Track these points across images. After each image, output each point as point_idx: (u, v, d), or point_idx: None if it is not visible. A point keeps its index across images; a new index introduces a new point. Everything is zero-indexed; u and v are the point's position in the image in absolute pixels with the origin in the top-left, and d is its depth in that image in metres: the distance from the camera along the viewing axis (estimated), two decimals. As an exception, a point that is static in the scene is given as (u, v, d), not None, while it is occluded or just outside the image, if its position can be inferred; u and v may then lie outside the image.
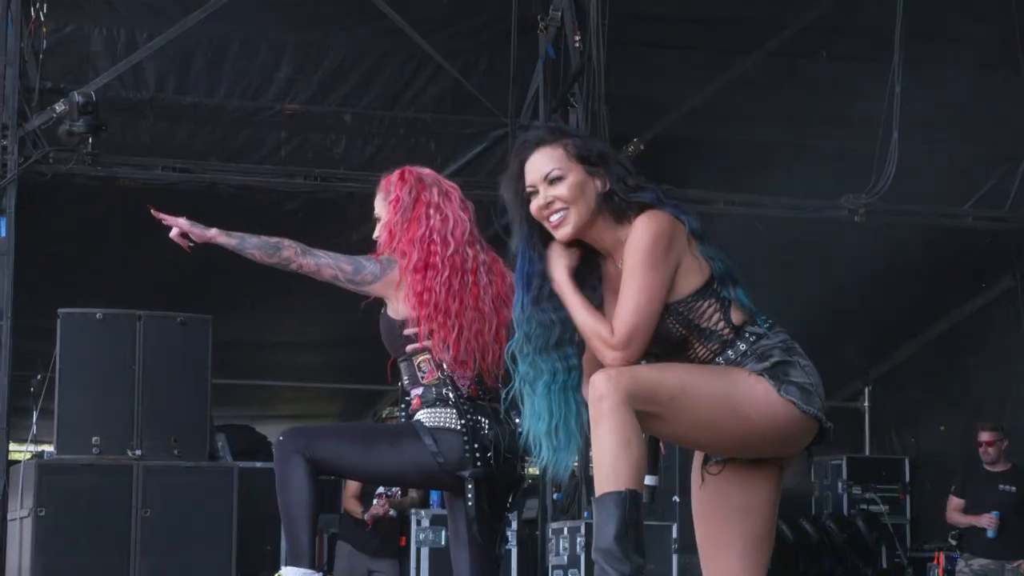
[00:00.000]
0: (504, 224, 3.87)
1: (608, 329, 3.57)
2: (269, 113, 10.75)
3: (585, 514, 10.22)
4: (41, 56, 10.05)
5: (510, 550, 10.30)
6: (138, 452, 8.72)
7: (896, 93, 10.48)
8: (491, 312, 4.83)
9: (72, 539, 8.52)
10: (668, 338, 3.66)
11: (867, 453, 14.12)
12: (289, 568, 4.72)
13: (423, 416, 4.82)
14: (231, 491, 8.85)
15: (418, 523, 10.41)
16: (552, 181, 3.68)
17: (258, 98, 10.71)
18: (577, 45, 10.73)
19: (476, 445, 4.74)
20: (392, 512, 9.89)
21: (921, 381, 14.06)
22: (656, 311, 3.59)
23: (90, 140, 9.80)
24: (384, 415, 11.17)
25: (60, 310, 8.92)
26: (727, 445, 3.67)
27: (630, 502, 3.42)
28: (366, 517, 9.78)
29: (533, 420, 3.74)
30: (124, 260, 11.49)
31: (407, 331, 4.83)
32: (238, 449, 11.02)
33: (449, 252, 4.79)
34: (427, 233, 4.81)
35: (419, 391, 4.86)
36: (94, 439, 8.69)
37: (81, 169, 10.00)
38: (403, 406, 4.95)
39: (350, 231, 10.46)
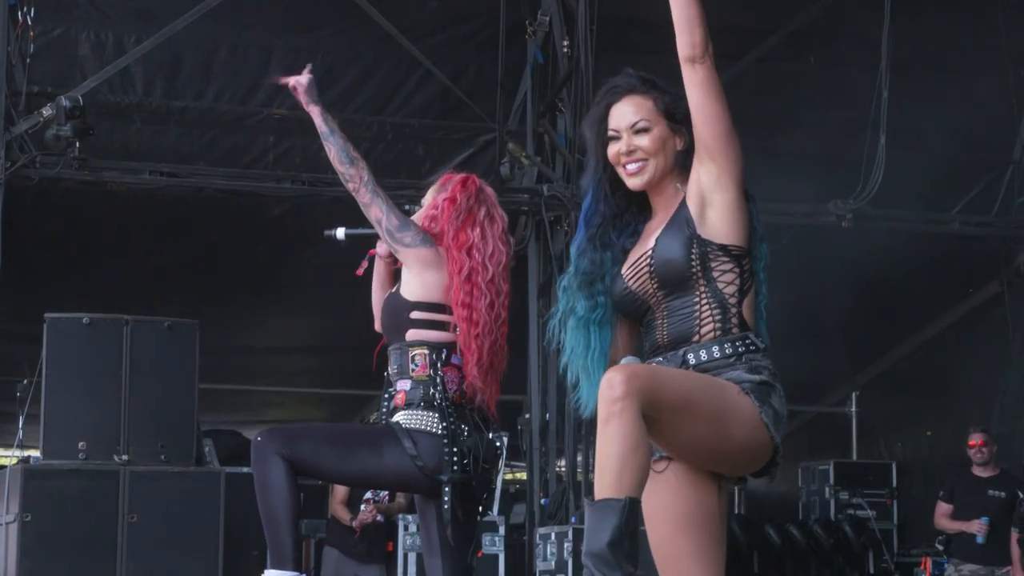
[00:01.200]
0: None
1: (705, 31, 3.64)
2: (257, 118, 10.74)
3: (572, 519, 10.21)
4: (28, 60, 10.03)
5: (497, 555, 10.28)
6: (124, 457, 8.70)
7: (884, 98, 10.50)
8: (503, 359, 4.86)
9: (58, 545, 8.49)
10: (682, 265, 3.65)
11: (854, 458, 14.12)
12: (273, 571, 4.69)
13: (402, 418, 4.81)
14: (218, 496, 8.83)
15: (405, 528, 10.39)
16: (638, 131, 3.75)
17: (246, 103, 10.71)
18: (565, 50, 10.74)
19: (455, 450, 4.74)
20: (379, 517, 9.87)
21: (908, 386, 14.06)
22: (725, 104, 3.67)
23: (77, 144, 9.79)
24: (372, 419, 11.14)
25: (47, 315, 8.90)
26: (700, 456, 3.66)
27: (630, 510, 3.37)
28: (354, 524, 9.76)
29: (571, 355, 3.77)
30: (111, 265, 11.47)
31: (414, 314, 4.82)
32: (225, 454, 10.98)
33: (488, 278, 4.83)
34: (471, 247, 4.84)
35: (406, 385, 4.84)
36: (80, 444, 8.67)
37: (68, 173, 9.98)
38: (386, 398, 4.92)
39: (338, 236, 10.43)
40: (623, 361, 3.62)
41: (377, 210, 4.86)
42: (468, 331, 4.77)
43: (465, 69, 11.13)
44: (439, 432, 4.75)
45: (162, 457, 8.80)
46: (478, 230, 4.87)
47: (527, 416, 10.93)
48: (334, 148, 4.92)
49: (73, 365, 8.82)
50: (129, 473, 8.67)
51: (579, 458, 10.72)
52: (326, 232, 5.35)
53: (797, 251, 11.68)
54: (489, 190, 5.00)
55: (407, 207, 5.16)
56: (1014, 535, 9.99)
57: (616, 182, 3.78)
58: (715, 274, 3.65)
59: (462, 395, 4.83)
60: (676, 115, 3.76)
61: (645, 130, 3.74)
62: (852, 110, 10.89)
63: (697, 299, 3.66)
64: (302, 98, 4.96)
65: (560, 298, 3.81)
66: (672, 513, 3.68)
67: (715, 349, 3.64)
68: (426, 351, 4.82)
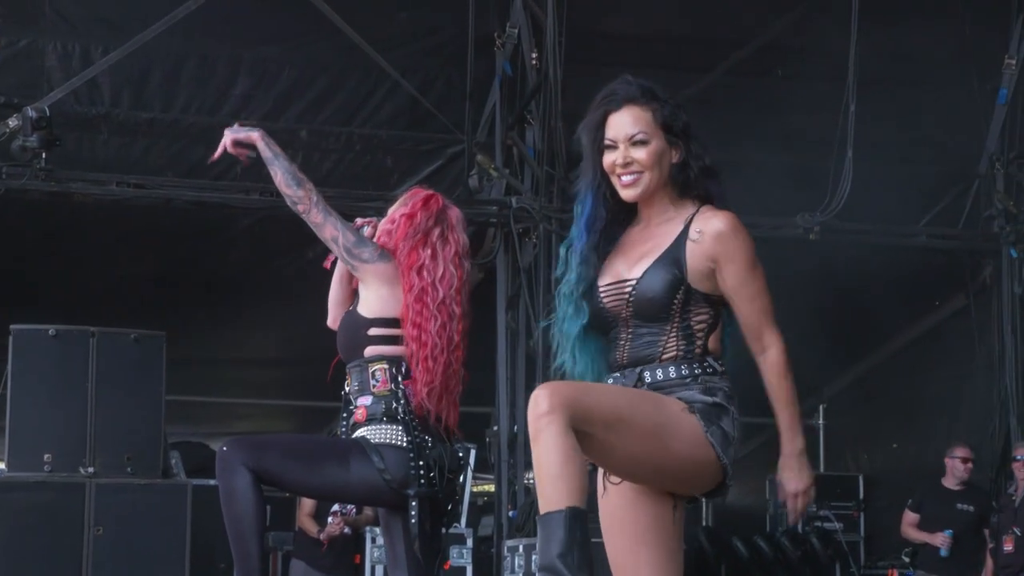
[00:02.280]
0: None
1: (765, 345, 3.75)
2: (225, 129, 10.69)
3: (541, 532, 10.20)
4: (-6, 70, 10.00)
5: (465, 567, 10.27)
6: (91, 469, 8.66)
7: (851, 112, 10.54)
8: (458, 381, 4.85)
9: (23, 557, 8.45)
10: (662, 304, 3.68)
11: (821, 470, 14.15)
12: (240, 585, 4.67)
13: (367, 432, 4.79)
14: (185, 509, 8.80)
15: (373, 541, 10.37)
16: (635, 143, 3.72)
17: (214, 114, 10.66)
18: (534, 62, 10.76)
19: (421, 463, 4.72)
20: (347, 530, 9.85)
21: (875, 399, 14.10)
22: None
23: (44, 155, 9.74)
24: (339, 432, 11.11)
25: (12, 326, 8.86)
26: (641, 474, 3.67)
27: (572, 519, 3.39)
28: (321, 536, 9.74)
29: (568, 362, 3.79)
30: (77, 276, 11.42)
31: (372, 331, 4.80)
32: (192, 466, 10.94)
33: (439, 299, 4.79)
34: (420, 267, 4.81)
35: (367, 401, 4.82)
36: (46, 456, 8.63)
37: (35, 184, 9.93)
38: (345, 416, 4.90)
39: (305, 248, 10.42)
40: None
41: (331, 228, 4.83)
42: (417, 351, 4.75)
43: (434, 81, 11.13)
44: (405, 445, 4.74)
45: (128, 469, 8.76)
46: (429, 251, 4.83)
47: (495, 428, 10.92)
48: (280, 172, 4.88)
49: (39, 377, 8.79)
50: (95, 485, 8.63)
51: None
52: None
53: (764, 263, 11.71)
54: (453, 212, 4.95)
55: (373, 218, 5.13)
56: (988, 545, 10.04)
57: (613, 188, 3.77)
58: (691, 313, 3.70)
59: (424, 407, 4.82)
60: (674, 128, 3.74)
61: (643, 143, 3.72)
62: (820, 123, 10.92)
63: (668, 329, 3.70)
64: (241, 136, 4.91)
65: (558, 304, 3.80)
66: (630, 524, 3.70)
67: (671, 370, 3.68)
68: (386, 366, 4.80)
